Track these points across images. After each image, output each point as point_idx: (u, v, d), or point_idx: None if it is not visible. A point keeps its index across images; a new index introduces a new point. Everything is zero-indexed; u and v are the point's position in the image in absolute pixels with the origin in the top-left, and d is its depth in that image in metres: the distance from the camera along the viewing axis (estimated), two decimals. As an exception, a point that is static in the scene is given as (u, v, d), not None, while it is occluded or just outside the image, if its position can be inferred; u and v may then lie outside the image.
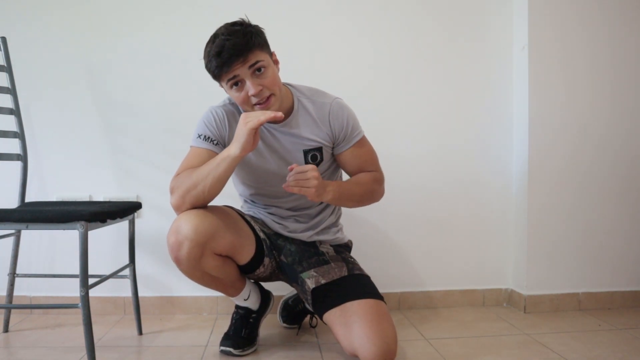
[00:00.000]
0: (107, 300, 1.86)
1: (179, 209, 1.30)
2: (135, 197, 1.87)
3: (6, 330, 1.66)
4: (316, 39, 1.90)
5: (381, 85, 1.94)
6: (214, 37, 1.28)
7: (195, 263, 1.28)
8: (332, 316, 1.34)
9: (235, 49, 1.23)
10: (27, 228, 1.28)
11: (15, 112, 1.68)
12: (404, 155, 1.95)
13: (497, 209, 2.00)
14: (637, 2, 1.93)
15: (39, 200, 1.84)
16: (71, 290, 1.80)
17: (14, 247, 1.65)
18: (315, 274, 1.42)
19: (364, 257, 1.76)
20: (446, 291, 1.98)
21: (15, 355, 1.46)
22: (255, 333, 1.53)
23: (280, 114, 1.20)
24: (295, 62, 1.77)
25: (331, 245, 1.54)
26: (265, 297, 1.58)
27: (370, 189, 1.45)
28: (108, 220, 1.39)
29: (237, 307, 1.54)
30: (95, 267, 1.57)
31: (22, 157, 1.68)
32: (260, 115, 1.21)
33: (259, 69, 1.27)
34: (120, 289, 1.83)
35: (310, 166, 1.28)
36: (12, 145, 1.70)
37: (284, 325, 1.73)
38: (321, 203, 1.52)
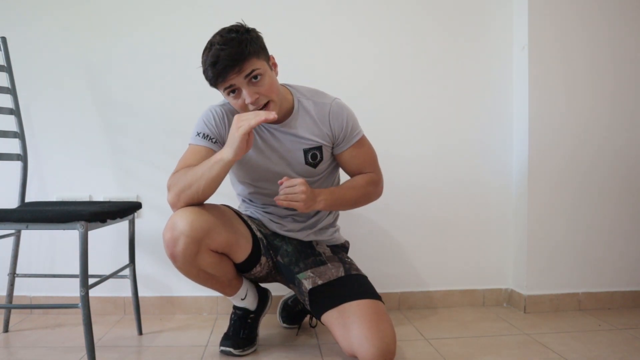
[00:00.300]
0: (107, 300, 1.87)
1: (174, 206, 1.31)
2: (135, 197, 1.87)
3: (6, 330, 1.66)
4: (316, 39, 1.90)
5: (381, 85, 1.94)
6: (210, 45, 1.27)
7: (191, 259, 1.28)
8: (330, 317, 1.34)
9: (230, 59, 1.22)
10: (27, 228, 1.28)
11: (15, 112, 1.68)
12: (403, 155, 1.95)
13: (497, 209, 2.00)
14: (637, 2, 1.93)
15: (39, 200, 1.84)
16: (71, 290, 1.80)
17: (14, 247, 1.65)
18: (312, 274, 1.42)
19: (363, 257, 1.76)
20: (446, 291, 1.98)
21: (15, 355, 1.46)
22: (255, 333, 1.53)
23: (273, 115, 1.20)
24: (296, 62, 1.77)
25: (328, 246, 1.54)
26: (263, 297, 1.58)
27: (364, 192, 1.46)
28: (108, 220, 1.40)
29: (234, 307, 1.54)
30: (95, 267, 1.57)
31: (22, 157, 1.68)
32: (251, 119, 1.20)
33: (255, 77, 1.26)
34: (120, 289, 1.83)
35: (299, 180, 1.29)
36: (12, 145, 1.70)
37: (284, 325, 1.73)
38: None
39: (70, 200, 1.83)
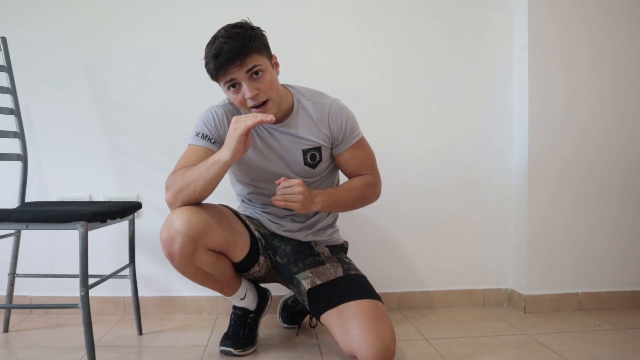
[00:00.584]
0: (107, 300, 1.87)
1: (172, 206, 1.31)
2: (135, 197, 1.87)
3: (6, 330, 1.66)
4: (315, 38, 1.90)
5: (381, 85, 1.94)
6: (214, 38, 1.28)
7: (188, 258, 1.28)
8: (329, 317, 1.34)
9: (233, 53, 1.23)
10: (27, 228, 1.28)
11: (15, 112, 1.68)
12: (404, 154, 1.95)
13: (497, 209, 2.00)
14: (638, 2, 1.93)
15: (39, 200, 1.84)
16: (71, 290, 1.80)
17: (14, 247, 1.65)
18: (310, 274, 1.42)
19: (363, 257, 1.77)
20: (446, 291, 1.98)
21: (15, 355, 1.46)
22: (255, 333, 1.53)
23: (270, 117, 1.20)
24: (296, 61, 1.77)
25: (327, 246, 1.54)
26: (263, 297, 1.58)
27: (362, 194, 1.46)
28: (108, 220, 1.39)
29: (234, 307, 1.54)
30: (95, 267, 1.58)
31: (22, 157, 1.68)
32: (247, 121, 1.20)
33: (256, 73, 1.27)
34: (120, 289, 1.83)
35: (297, 181, 1.30)
36: (12, 145, 1.70)
37: (284, 325, 1.73)
38: None
39: (70, 200, 1.83)
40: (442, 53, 1.96)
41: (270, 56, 1.33)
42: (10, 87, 1.68)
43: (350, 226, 1.84)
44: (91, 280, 1.33)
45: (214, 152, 1.34)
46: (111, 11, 1.86)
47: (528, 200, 1.89)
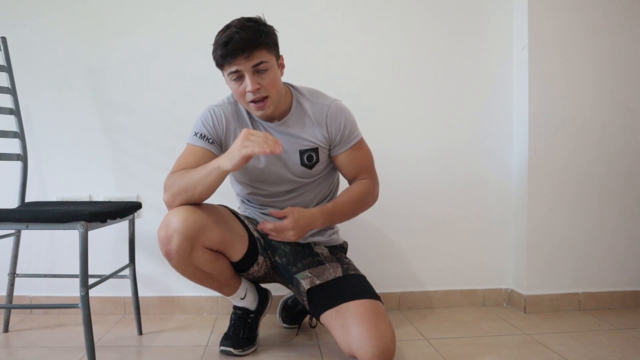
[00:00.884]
0: (107, 300, 1.87)
1: (170, 206, 1.32)
2: (135, 197, 1.87)
3: (6, 330, 1.66)
4: (315, 38, 1.90)
5: (381, 85, 1.94)
6: (227, 27, 1.29)
7: (185, 257, 1.28)
8: (329, 317, 1.34)
9: (242, 44, 1.24)
10: (27, 228, 1.28)
11: (15, 112, 1.68)
12: (404, 154, 1.95)
13: (497, 209, 2.00)
14: (637, 2, 1.93)
15: (39, 200, 1.84)
16: (71, 290, 1.80)
17: (14, 247, 1.65)
18: (310, 274, 1.42)
19: (363, 258, 1.77)
20: (446, 291, 1.98)
21: (15, 355, 1.46)
22: (255, 333, 1.53)
23: (279, 149, 1.18)
24: (295, 62, 1.76)
25: (326, 247, 1.54)
26: (263, 297, 1.58)
27: (361, 202, 1.47)
28: (108, 220, 1.40)
29: (234, 307, 1.54)
30: (95, 267, 1.57)
31: (22, 157, 1.68)
32: (256, 147, 1.18)
33: (261, 69, 1.28)
34: (120, 289, 1.83)
35: (286, 222, 1.32)
36: (12, 145, 1.70)
37: (284, 325, 1.73)
38: (315, 205, 1.51)
39: (70, 200, 1.83)
40: (442, 53, 1.96)
41: (277, 56, 1.35)
42: (10, 87, 1.68)
43: (350, 226, 1.83)
44: (91, 280, 1.33)
45: (211, 153, 1.36)
46: (111, 11, 1.86)
47: (528, 200, 1.89)
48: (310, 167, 1.44)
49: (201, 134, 1.38)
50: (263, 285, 1.62)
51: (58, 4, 1.85)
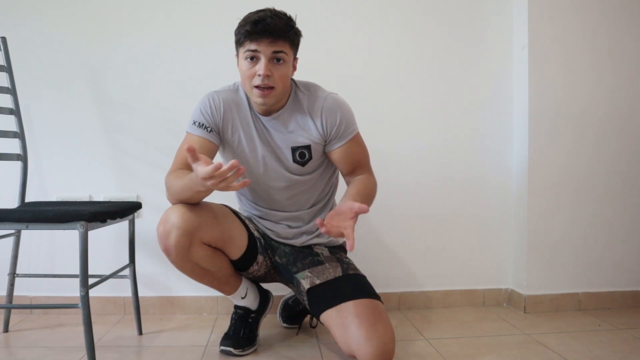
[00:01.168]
0: (107, 300, 1.87)
1: (171, 204, 1.33)
2: (135, 197, 1.87)
3: (6, 330, 1.66)
4: (314, 38, 1.90)
5: (380, 83, 1.94)
6: (261, 10, 1.30)
7: (184, 252, 1.29)
8: (329, 317, 1.34)
9: (273, 28, 1.25)
10: (27, 228, 1.28)
11: (15, 112, 1.68)
12: (404, 153, 1.95)
13: (497, 209, 2.00)
14: (637, 2, 1.93)
15: (39, 200, 1.84)
16: (71, 290, 1.80)
17: (14, 247, 1.65)
18: (309, 274, 1.42)
19: (363, 258, 1.76)
20: (446, 291, 1.98)
21: (15, 355, 1.46)
22: (255, 333, 1.53)
23: (238, 186, 1.09)
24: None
25: (326, 247, 1.54)
26: (264, 298, 1.58)
27: (373, 195, 1.44)
28: (108, 220, 1.40)
29: (235, 307, 1.54)
30: (95, 267, 1.57)
31: (22, 157, 1.68)
32: (224, 188, 1.09)
33: (278, 59, 1.29)
34: (120, 289, 1.83)
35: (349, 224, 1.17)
36: (12, 145, 1.70)
37: (284, 325, 1.73)
38: (313, 206, 1.51)
39: (70, 200, 1.83)
40: (442, 53, 1.96)
41: (295, 56, 1.36)
42: (10, 87, 1.68)
43: (350, 226, 1.84)
44: (91, 280, 1.33)
45: (210, 142, 1.37)
46: (111, 11, 1.86)
47: (528, 200, 1.89)
48: (303, 164, 1.43)
49: (199, 123, 1.38)
50: (264, 287, 1.62)
51: (58, 4, 1.85)
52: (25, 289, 1.83)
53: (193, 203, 1.31)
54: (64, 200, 1.83)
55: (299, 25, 1.34)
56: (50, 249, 1.88)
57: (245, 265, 1.46)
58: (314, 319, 1.68)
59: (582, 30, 1.90)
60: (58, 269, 1.85)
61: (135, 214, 1.61)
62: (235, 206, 1.58)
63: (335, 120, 1.39)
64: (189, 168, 1.32)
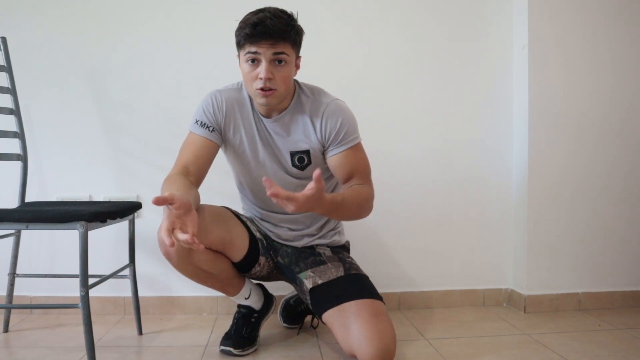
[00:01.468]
0: (107, 300, 1.87)
1: None
2: (135, 197, 1.87)
3: (6, 330, 1.66)
4: (314, 39, 1.89)
5: (380, 84, 1.94)
6: (260, 10, 1.27)
7: (185, 256, 1.29)
8: (331, 317, 1.34)
9: (273, 30, 1.22)
10: (27, 228, 1.28)
11: (15, 112, 1.68)
12: (404, 154, 1.95)
13: (497, 209, 2.00)
14: (637, 2, 1.93)
15: (39, 200, 1.84)
16: (71, 290, 1.80)
17: (14, 247, 1.65)
18: (312, 274, 1.42)
19: (363, 257, 1.76)
20: (446, 291, 1.98)
21: (15, 355, 1.46)
22: (256, 333, 1.53)
23: (199, 247, 1.02)
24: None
25: (328, 247, 1.54)
26: (268, 299, 1.59)
27: (363, 206, 1.35)
28: (108, 220, 1.39)
29: (239, 306, 1.55)
30: (95, 267, 1.57)
31: (22, 157, 1.68)
32: (165, 240, 0.99)
33: (280, 61, 1.26)
34: (120, 289, 1.83)
35: (299, 197, 1.09)
36: (12, 145, 1.70)
37: (284, 325, 1.73)
38: None
39: (70, 200, 1.83)
40: (442, 53, 1.96)
41: (297, 55, 1.33)
42: (10, 87, 1.67)
43: (350, 227, 1.84)
44: (91, 280, 1.33)
45: (212, 142, 1.36)
46: (111, 11, 1.86)
47: (528, 200, 1.89)
48: (302, 168, 1.41)
49: (202, 122, 1.38)
50: (268, 291, 1.62)
51: (58, 4, 1.84)
52: (25, 289, 1.83)
53: None
54: (64, 200, 1.83)
55: (299, 23, 1.33)
56: (50, 249, 1.88)
57: (247, 267, 1.46)
58: (315, 319, 1.68)
59: (582, 31, 1.90)
60: (58, 269, 1.85)
61: (135, 214, 1.61)
62: (239, 206, 1.58)
63: (335, 125, 1.35)
64: (190, 168, 1.32)
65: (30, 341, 1.58)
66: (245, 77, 1.31)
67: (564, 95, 1.90)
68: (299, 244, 1.50)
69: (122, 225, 1.70)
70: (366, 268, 1.52)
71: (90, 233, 1.31)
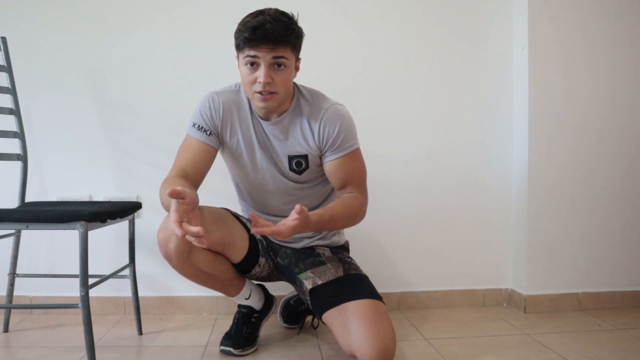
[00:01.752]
0: (107, 300, 1.87)
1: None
2: (135, 197, 1.87)
3: (6, 330, 1.66)
4: (313, 39, 1.89)
5: (380, 85, 1.94)
6: (259, 12, 1.24)
7: (184, 257, 1.29)
8: (330, 317, 1.34)
9: (272, 34, 1.20)
10: (27, 228, 1.28)
11: (15, 112, 1.68)
12: (404, 155, 1.95)
13: (497, 209, 2.00)
14: (637, 2, 1.93)
15: (39, 200, 1.84)
16: (71, 290, 1.80)
17: (14, 247, 1.65)
18: (312, 274, 1.42)
19: (363, 257, 1.76)
20: (446, 291, 1.98)
21: (15, 355, 1.46)
22: (256, 333, 1.53)
23: (202, 243, 1.03)
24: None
25: (327, 247, 1.54)
26: (269, 299, 1.59)
27: (354, 217, 1.36)
28: (108, 220, 1.40)
29: (239, 306, 1.55)
30: (95, 267, 1.57)
31: (22, 157, 1.68)
32: (177, 230, 1.00)
33: (279, 64, 1.25)
34: (120, 289, 1.83)
35: (283, 229, 1.14)
36: (12, 145, 1.70)
37: (284, 325, 1.73)
38: (310, 209, 1.48)
39: (70, 200, 1.83)
40: (441, 54, 1.95)
41: (297, 57, 1.31)
42: (10, 87, 1.67)
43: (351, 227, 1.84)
44: (91, 280, 1.33)
45: (208, 146, 1.35)
46: (111, 11, 1.86)
47: (528, 200, 1.89)
48: (299, 172, 1.40)
49: (199, 125, 1.37)
50: (269, 292, 1.62)
51: (58, 4, 1.84)
52: (25, 289, 1.83)
53: None
54: (64, 200, 1.83)
55: (299, 25, 1.32)
56: (50, 249, 1.88)
57: (247, 268, 1.46)
58: (316, 320, 1.68)
59: (582, 31, 1.90)
60: (58, 269, 1.85)
61: (135, 214, 1.61)
62: (238, 207, 1.58)
63: (333, 131, 1.34)
64: (188, 171, 1.32)
65: (30, 341, 1.58)
66: (243, 79, 1.30)
67: (564, 95, 1.90)
68: (298, 245, 1.50)
69: (122, 225, 1.70)
70: (366, 268, 1.52)
71: (90, 233, 1.31)
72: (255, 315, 1.53)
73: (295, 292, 1.73)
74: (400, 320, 1.81)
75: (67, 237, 1.82)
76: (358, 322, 1.27)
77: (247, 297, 1.51)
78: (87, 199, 1.86)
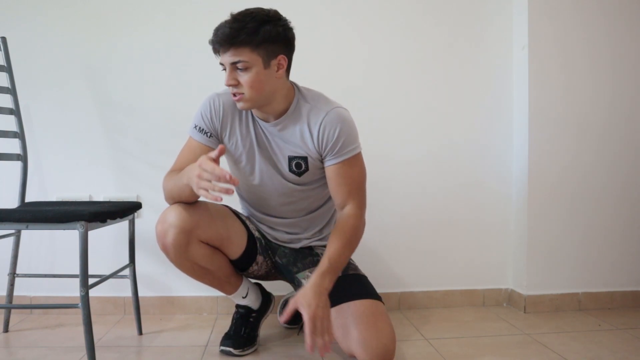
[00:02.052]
0: (107, 300, 1.87)
1: (168, 204, 1.34)
2: (135, 197, 1.87)
3: (6, 330, 1.66)
4: (312, 40, 1.90)
5: (379, 86, 1.94)
6: (232, 14, 1.24)
7: (182, 250, 1.29)
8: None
9: (222, 38, 1.20)
10: (27, 228, 1.28)
11: (15, 112, 1.68)
12: (404, 155, 1.95)
13: (497, 209, 2.00)
14: (637, 2, 1.93)
15: (39, 200, 1.84)
16: (71, 290, 1.80)
17: (14, 247, 1.65)
18: (310, 274, 1.41)
19: (363, 257, 1.76)
20: (446, 291, 1.98)
21: (15, 355, 1.46)
22: (256, 333, 1.53)
23: (231, 192, 1.08)
24: (294, 63, 1.76)
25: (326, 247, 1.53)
26: (266, 298, 1.59)
27: (355, 242, 1.34)
28: (108, 220, 1.40)
29: (237, 306, 1.55)
30: (95, 267, 1.57)
31: (22, 157, 1.68)
32: (208, 195, 1.10)
33: (240, 67, 1.22)
34: (120, 289, 1.83)
35: (309, 323, 1.18)
36: (12, 145, 1.70)
37: (284, 325, 1.73)
38: (310, 213, 1.48)
39: (70, 200, 1.83)
40: (441, 55, 1.95)
41: (271, 55, 1.24)
42: (10, 87, 1.67)
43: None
44: (91, 280, 1.33)
45: (209, 149, 1.35)
46: (111, 11, 1.86)
47: (528, 200, 1.89)
48: (299, 174, 1.39)
49: (200, 127, 1.37)
50: (267, 289, 1.62)
51: (58, 4, 1.84)
52: (25, 289, 1.83)
53: (187, 202, 1.31)
54: (64, 200, 1.83)
55: (298, 26, 1.30)
56: (50, 249, 1.88)
57: (244, 265, 1.46)
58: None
59: (582, 30, 1.90)
60: (58, 269, 1.85)
61: (135, 214, 1.61)
62: (238, 207, 1.58)
63: (333, 134, 1.30)
64: None
65: (30, 341, 1.58)
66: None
67: (564, 95, 1.90)
68: (297, 245, 1.50)
69: (122, 225, 1.70)
70: (366, 268, 1.52)
71: (90, 233, 1.31)
72: (253, 314, 1.53)
73: (295, 292, 1.73)
74: (400, 320, 1.81)
75: (67, 237, 1.82)
76: (357, 323, 1.27)
77: (244, 296, 1.50)
78: (87, 199, 1.86)
